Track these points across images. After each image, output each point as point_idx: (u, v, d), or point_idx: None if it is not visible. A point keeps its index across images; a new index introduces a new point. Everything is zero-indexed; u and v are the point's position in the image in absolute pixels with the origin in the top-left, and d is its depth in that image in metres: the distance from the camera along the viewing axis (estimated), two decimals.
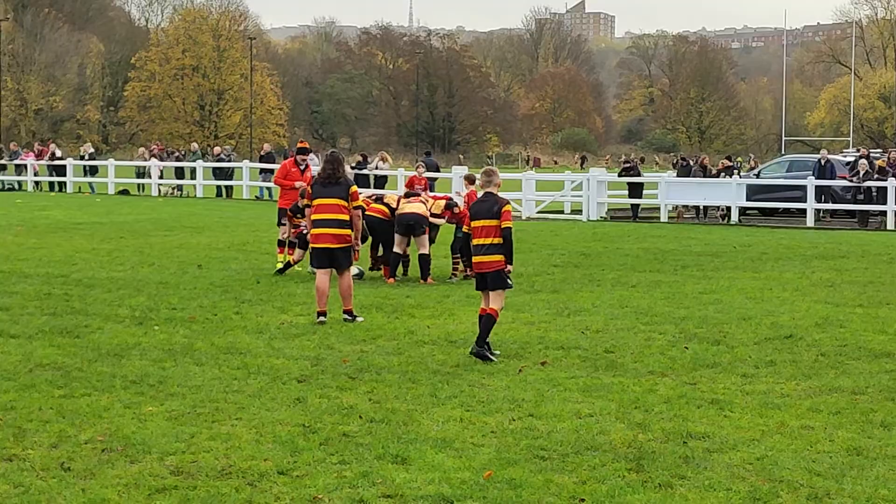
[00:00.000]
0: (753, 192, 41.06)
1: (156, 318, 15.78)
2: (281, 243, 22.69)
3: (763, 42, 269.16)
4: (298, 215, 21.33)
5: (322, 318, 15.45)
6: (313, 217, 15.89)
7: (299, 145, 24.14)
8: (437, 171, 47.30)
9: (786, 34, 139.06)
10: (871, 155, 42.44)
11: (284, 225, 22.58)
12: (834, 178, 39.64)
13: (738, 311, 16.96)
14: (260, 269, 22.03)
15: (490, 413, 10.48)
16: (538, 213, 41.70)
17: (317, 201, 15.80)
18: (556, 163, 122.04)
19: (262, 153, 53.67)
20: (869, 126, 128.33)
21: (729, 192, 39.90)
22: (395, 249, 20.83)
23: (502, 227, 13.22)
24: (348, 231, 15.70)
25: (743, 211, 40.24)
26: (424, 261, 20.53)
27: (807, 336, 14.70)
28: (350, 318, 15.64)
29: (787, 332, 14.91)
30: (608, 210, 42.39)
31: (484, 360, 12.84)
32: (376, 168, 47.57)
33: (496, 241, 13.23)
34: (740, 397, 11.20)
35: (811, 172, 39.78)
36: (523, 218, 39.07)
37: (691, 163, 46.98)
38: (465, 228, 14.06)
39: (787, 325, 15.55)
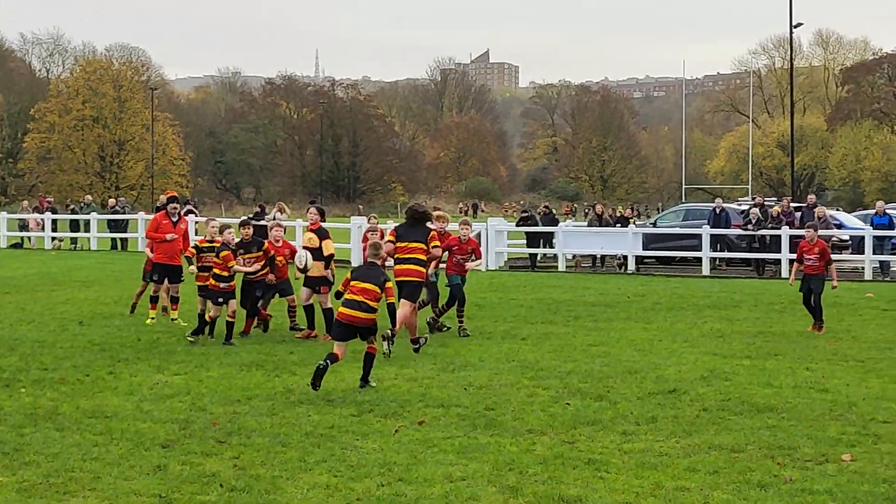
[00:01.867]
0: (650, 241, 41.20)
1: (24, 379, 15.20)
2: (153, 299, 22.23)
3: (664, 91, 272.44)
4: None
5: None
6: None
7: (168, 195, 23.71)
8: (324, 218, 46.83)
9: (684, 84, 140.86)
10: (766, 203, 42.78)
11: (156, 281, 22.17)
12: (729, 227, 39.91)
13: (624, 365, 16.77)
14: (144, 326, 21.46)
15: (359, 478, 10.10)
16: None
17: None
18: (463, 212, 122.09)
19: (157, 204, 52.87)
20: (768, 174, 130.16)
21: (625, 242, 39.98)
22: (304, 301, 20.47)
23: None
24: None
25: (640, 260, 40.32)
26: (328, 314, 19.79)
27: (691, 390, 14.52)
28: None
29: (671, 387, 14.72)
30: (507, 260, 42.29)
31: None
32: (274, 219, 46.99)
33: (374, 304, 14.45)
34: (618, 456, 10.93)
35: (706, 221, 40.02)
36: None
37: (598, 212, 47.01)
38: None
39: (672, 379, 15.38)
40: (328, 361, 14.10)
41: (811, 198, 42.17)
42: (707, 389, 14.62)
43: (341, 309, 14.66)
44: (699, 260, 39.32)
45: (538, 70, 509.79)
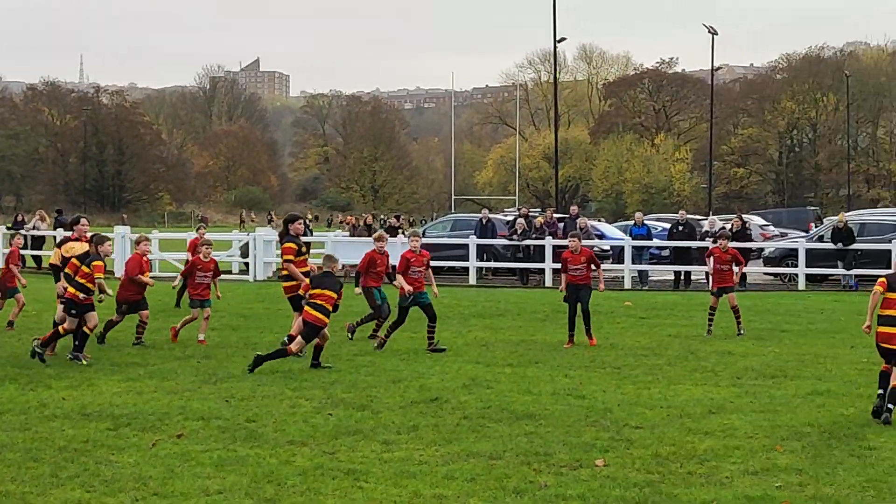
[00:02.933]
0: None
1: None
2: None
3: (434, 103, 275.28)
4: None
5: None
6: None
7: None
8: (68, 229, 45.90)
9: (454, 96, 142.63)
10: (531, 214, 43.61)
11: None
12: (495, 237, 40.54)
13: (389, 374, 16.84)
14: None
15: (112, 493, 9.86)
16: None
17: None
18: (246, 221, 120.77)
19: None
20: (534, 185, 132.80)
21: (394, 252, 40.11)
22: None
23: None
24: None
25: None
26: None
27: (453, 398, 14.67)
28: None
29: (433, 395, 14.84)
30: (276, 270, 41.97)
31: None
32: (34, 228, 45.72)
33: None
34: (378, 466, 10.95)
35: (474, 231, 40.55)
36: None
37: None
38: None
39: (435, 388, 15.51)
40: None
41: (573, 209, 43.14)
42: (469, 397, 14.79)
43: (312, 311, 17.00)
44: (466, 269, 39.79)
45: (309, 79, 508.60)
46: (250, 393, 15.10)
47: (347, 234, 44.97)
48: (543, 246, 38.01)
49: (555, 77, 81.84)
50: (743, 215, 45.41)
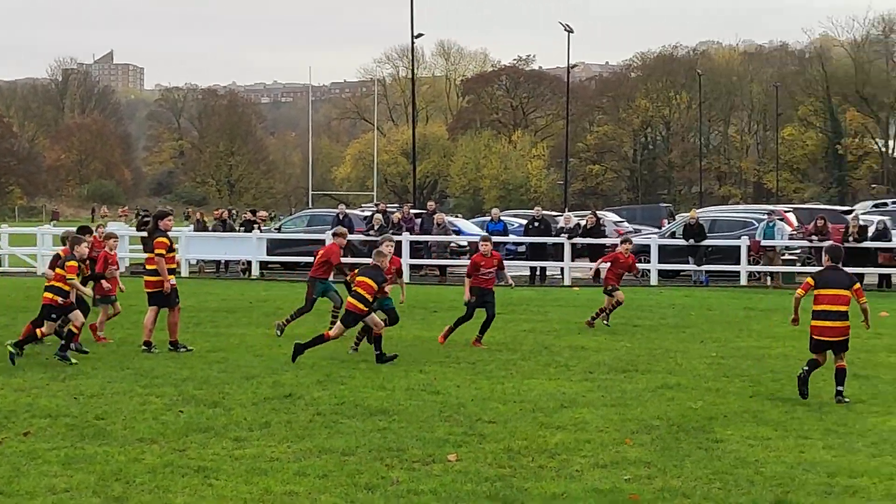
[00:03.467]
0: (275, 246, 41.23)
1: None
2: None
3: (292, 97, 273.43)
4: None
5: None
6: None
7: None
8: None
9: (311, 90, 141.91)
10: (388, 210, 43.60)
11: None
12: (352, 232, 40.35)
13: (242, 370, 16.69)
14: None
15: None
16: None
17: None
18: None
19: None
20: (393, 181, 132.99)
21: (250, 247, 39.89)
22: None
23: None
24: None
25: (265, 265, 40.30)
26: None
27: (306, 394, 14.59)
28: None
29: (287, 391, 14.74)
30: (129, 265, 41.35)
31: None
32: None
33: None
34: (229, 463, 10.84)
35: (330, 227, 40.37)
36: (38, 274, 37.45)
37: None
38: None
39: (288, 384, 15.40)
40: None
41: (430, 204, 43.27)
42: (322, 393, 14.72)
43: (352, 300, 17.92)
44: None
45: (164, 73, 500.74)
46: (99, 390, 14.83)
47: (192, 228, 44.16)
48: (401, 242, 38.02)
49: (412, 73, 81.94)
50: (597, 212, 46.00)
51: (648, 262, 37.14)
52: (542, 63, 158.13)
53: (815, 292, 14.61)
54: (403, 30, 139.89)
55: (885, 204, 60.06)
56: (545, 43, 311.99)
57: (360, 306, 17.86)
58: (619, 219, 56.66)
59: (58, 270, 17.81)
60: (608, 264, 24.41)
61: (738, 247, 36.14)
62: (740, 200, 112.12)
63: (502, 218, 41.73)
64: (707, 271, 36.93)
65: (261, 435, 12.16)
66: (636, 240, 43.26)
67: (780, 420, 13.30)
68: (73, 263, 17.81)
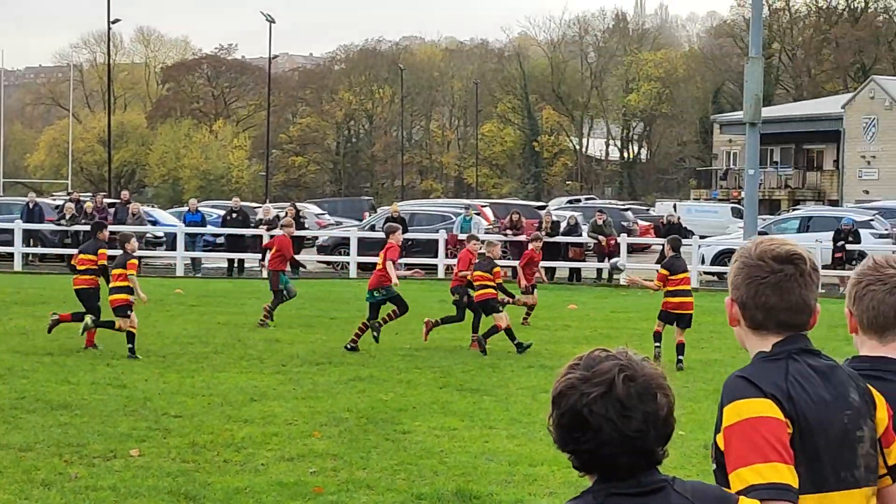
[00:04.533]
0: None
1: None
2: None
3: None
4: None
5: None
6: None
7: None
8: None
9: (4, 74, 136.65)
10: (81, 199, 42.36)
11: None
12: (42, 222, 39.10)
13: None
14: None
15: None
16: None
17: None
18: None
19: None
20: (89, 169, 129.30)
21: None
22: None
23: None
24: None
25: None
26: None
27: None
28: None
29: None
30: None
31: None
32: None
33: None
34: None
35: (21, 216, 38.97)
36: None
37: None
38: None
39: None
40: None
41: (125, 194, 42.20)
42: (2, 388, 14.15)
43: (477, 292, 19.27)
44: (11, 255, 38.13)
45: None
46: None
47: None
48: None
49: (108, 59, 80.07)
50: (298, 204, 45.96)
51: (348, 254, 37.31)
52: (245, 53, 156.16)
53: (671, 277, 17.62)
54: (101, 15, 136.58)
55: (579, 200, 62.26)
56: (249, 32, 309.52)
57: (490, 292, 19.13)
58: (321, 211, 56.78)
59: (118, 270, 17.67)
60: (522, 266, 24.05)
61: (437, 240, 36.70)
62: (442, 195, 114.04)
63: (200, 209, 41.14)
64: (406, 264, 37.33)
65: None
66: (335, 232, 43.67)
67: (468, 410, 13.53)
68: (134, 261, 18.06)
